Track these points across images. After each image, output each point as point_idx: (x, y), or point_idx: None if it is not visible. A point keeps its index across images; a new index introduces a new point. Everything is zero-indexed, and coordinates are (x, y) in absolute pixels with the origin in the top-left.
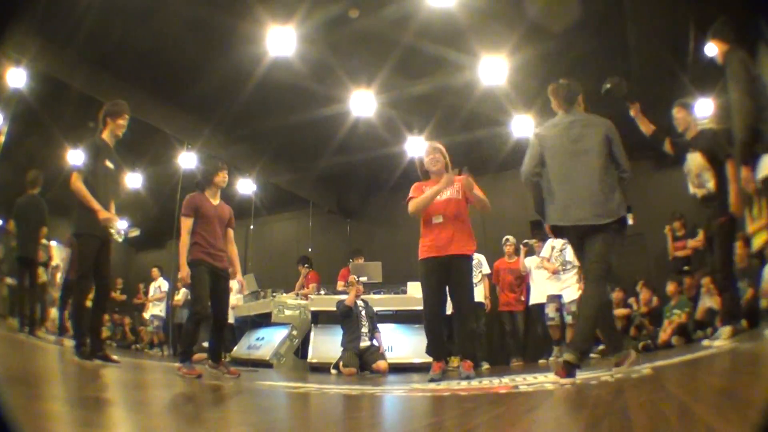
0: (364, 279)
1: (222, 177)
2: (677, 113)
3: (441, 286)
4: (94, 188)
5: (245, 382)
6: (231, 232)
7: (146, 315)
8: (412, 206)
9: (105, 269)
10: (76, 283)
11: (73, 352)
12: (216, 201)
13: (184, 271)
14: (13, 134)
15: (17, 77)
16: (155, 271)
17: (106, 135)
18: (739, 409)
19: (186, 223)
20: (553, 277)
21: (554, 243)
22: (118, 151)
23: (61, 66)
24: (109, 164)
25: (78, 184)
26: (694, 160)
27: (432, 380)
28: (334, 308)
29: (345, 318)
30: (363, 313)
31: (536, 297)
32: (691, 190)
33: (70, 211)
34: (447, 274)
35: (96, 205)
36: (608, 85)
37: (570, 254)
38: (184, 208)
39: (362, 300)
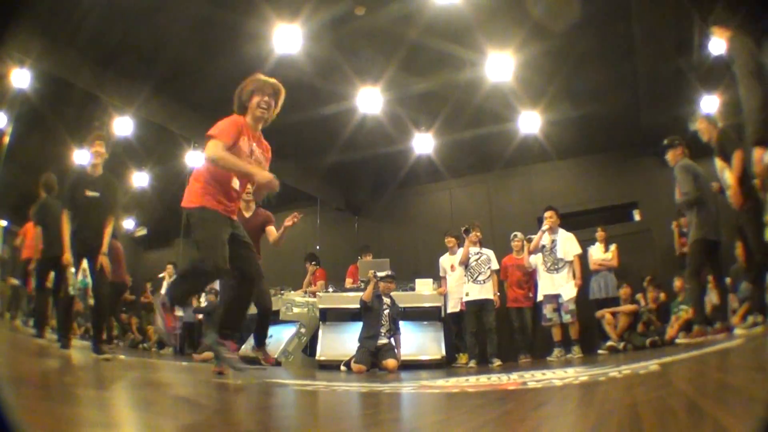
0: (382, 274)
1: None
2: (700, 124)
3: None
4: (75, 219)
5: (253, 379)
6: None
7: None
8: (216, 155)
9: (100, 282)
10: None
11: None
12: (248, 213)
13: None
14: (18, 135)
15: (21, 78)
16: (170, 268)
17: (88, 166)
18: (746, 404)
19: None
20: (547, 275)
21: (544, 241)
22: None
23: (65, 65)
24: (90, 193)
25: (62, 221)
26: (717, 165)
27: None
28: (342, 306)
29: (365, 312)
30: (387, 312)
31: (544, 294)
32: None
33: None
34: None
35: (65, 246)
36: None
37: (561, 251)
38: None
39: (389, 297)
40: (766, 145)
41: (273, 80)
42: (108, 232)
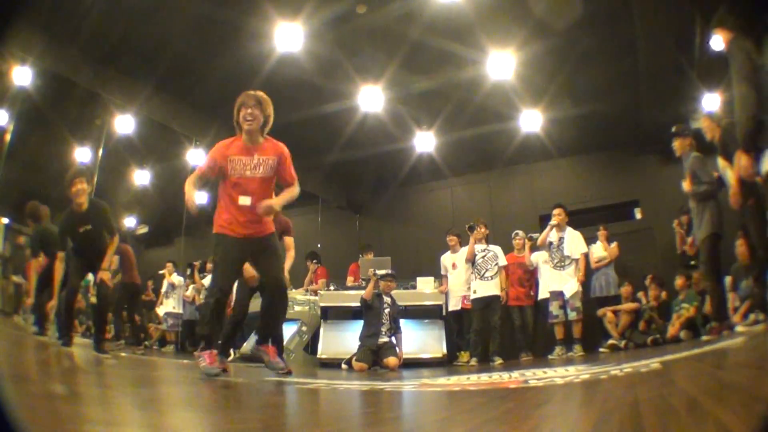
0: (381, 272)
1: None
2: (703, 123)
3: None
4: (77, 250)
5: (254, 377)
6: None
7: (159, 311)
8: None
9: (102, 283)
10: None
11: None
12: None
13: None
14: (19, 132)
15: (23, 75)
16: (170, 266)
17: (74, 205)
18: (747, 402)
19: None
20: (553, 271)
21: (551, 238)
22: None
23: (66, 63)
24: (84, 228)
25: (56, 265)
26: (720, 164)
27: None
28: (343, 304)
29: (365, 311)
30: (387, 310)
31: (545, 292)
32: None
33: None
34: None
35: (54, 289)
36: None
37: (568, 249)
38: None
39: (390, 296)
40: (752, 152)
41: (255, 92)
42: (111, 250)
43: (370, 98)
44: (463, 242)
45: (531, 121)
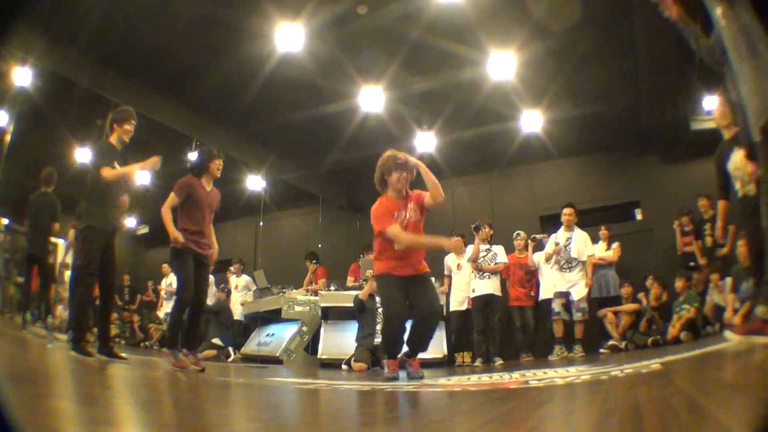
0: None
1: (217, 165)
2: (719, 107)
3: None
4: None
5: (255, 378)
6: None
7: (161, 313)
8: (393, 235)
9: (110, 268)
10: (80, 277)
11: (69, 346)
12: (209, 187)
13: (175, 235)
14: (19, 133)
15: (23, 76)
16: (166, 267)
17: (113, 139)
18: (747, 403)
19: (172, 201)
20: (559, 273)
21: (558, 239)
22: (128, 148)
23: (67, 64)
24: (117, 167)
25: (110, 174)
26: (735, 162)
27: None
28: (344, 304)
29: (360, 312)
30: (380, 310)
31: (546, 292)
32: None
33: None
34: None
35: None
36: None
37: (575, 251)
38: (177, 189)
39: None
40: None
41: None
42: (125, 204)
43: (371, 98)
44: (468, 243)
45: (532, 121)
